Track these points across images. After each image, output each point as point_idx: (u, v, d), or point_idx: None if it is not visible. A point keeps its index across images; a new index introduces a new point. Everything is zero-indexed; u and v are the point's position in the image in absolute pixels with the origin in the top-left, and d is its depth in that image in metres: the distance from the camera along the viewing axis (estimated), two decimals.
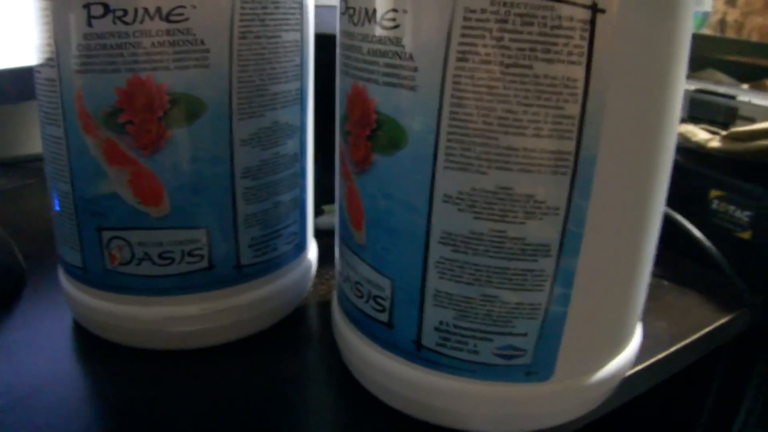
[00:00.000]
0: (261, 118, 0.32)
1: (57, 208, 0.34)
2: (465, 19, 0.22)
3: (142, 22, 0.28)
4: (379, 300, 0.29)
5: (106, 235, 0.33)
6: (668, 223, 0.45)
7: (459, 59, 0.23)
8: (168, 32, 0.29)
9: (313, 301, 0.42)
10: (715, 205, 0.46)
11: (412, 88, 0.24)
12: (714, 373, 0.46)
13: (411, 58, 0.24)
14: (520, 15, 0.22)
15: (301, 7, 0.33)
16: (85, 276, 0.34)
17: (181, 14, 0.28)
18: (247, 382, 0.34)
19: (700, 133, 0.49)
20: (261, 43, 0.31)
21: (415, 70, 0.24)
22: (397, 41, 0.24)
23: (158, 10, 0.28)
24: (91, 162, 0.31)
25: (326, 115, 0.40)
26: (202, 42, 0.29)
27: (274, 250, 0.36)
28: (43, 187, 0.35)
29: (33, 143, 0.78)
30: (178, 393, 0.33)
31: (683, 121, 0.52)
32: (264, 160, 0.33)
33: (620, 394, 0.34)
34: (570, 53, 0.22)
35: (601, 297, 0.27)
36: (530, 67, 0.22)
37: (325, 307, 0.41)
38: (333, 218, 0.49)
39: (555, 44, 0.22)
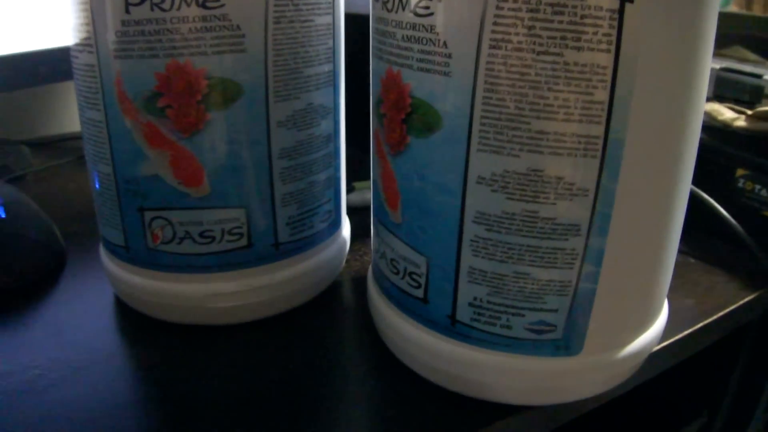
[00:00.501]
0: (296, 100, 0.33)
1: (98, 188, 0.36)
2: (498, 8, 0.23)
3: (179, 8, 0.29)
4: (415, 276, 0.30)
5: (148, 215, 0.34)
6: (695, 201, 0.45)
7: (492, 47, 0.24)
8: (204, 18, 0.29)
9: (347, 277, 0.43)
10: (741, 183, 0.46)
11: (446, 74, 0.25)
12: (740, 351, 0.47)
13: (445, 45, 0.25)
14: (551, 4, 0.22)
15: None
16: (127, 254, 0.36)
17: (217, 0, 0.29)
18: (285, 355, 0.35)
19: (726, 112, 0.48)
20: (295, 27, 0.32)
21: (449, 56, 0.25)
22: (431, 28, 0.25)
23: None
24: (131, 145, 0.32)
25: (356, 94, 0.41)
26: (238, 27, 0.30)
27: (310, 228, 0.37)
28: (77, 166, 0.36)
29: (65, 123, 0.80)
30: (217, 366, 0.34)
31: (709, 99, 0.52)
32: (300, 140, 0.34)
33: (646, 370, 0.34)
34: (599, 41, 0.23)
35: (629, 275, 0.28)
36: (561, 54, 0.23)
37: (358, 282, 0.42)
38: (363, 195, 0.51)
39: (585, 32, 0.23)
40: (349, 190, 0.52)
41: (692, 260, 0.45)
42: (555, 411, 0.32)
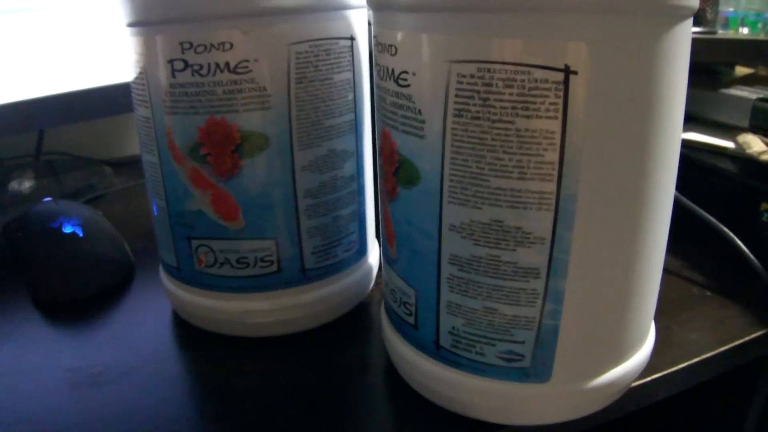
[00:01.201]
0: (318, 147, 0.38)
1: (156, 218, 0.42)
2: (458, 82, 0.26)
3: (214, 74, 0.34)
4: (407, 306, 0.34)
5: (195, 243, 0.39)
6: (714, 234, 0.47)
7: (455, 115, 0.27)
8: (235, 82, 0.35)
9: (376, 298, 0.47)
10: (765, 218, 0.47)
11: (422, 137, 0.29)
12: (756, 385, 0.48)
13: (420, 112, 0.28)
14: (502, 79, 0.26)
15: (351, 50, 0.38)
16: (179, 274, 0.42)
17: (246, 67, 0.35)
18: (311, 367, 0.39)
19: (755, 145, 0.50)
20: (315, 85, 0.37)
21: (423, 122, 0.28)
22: (409, 98, 0.29)
23: (227, 64, 0.34)
24: (180, 184, 0.38)
25: None
26: (264, 88, 0.35)
27: (334, 257, 0.42)
28: None
29: None
30: (254, 372, 0.39)
31: (744, 130, 0.53)
32: (323, 182, 0.39)
33: (637, 399, 0.37)
34: (546, 110, 0.26)
35: (592, 312, 0.31)
36: (512, 122, 0.26)
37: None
38: None
39: (533, 102, 0.26)
40: None
41: (708, 293, 0.46)
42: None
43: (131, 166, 0.80)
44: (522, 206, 0.28)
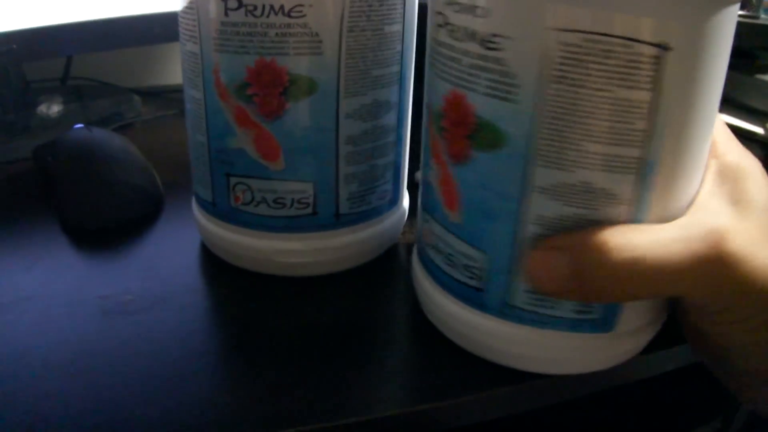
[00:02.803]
0: (363, 96, 0.38)
1: (194, 153, 0.42)
2: (560, 50, 0.27)
3: (268, 16, 0.35)
4: (472, 269, 0.34)
5: (233, 180, 0.40)
6: None
7: (554, 81, 0.27)
8: (288, 26, 0.35)
9: (403, 245, 0.48)
10: None
11: (514, 101, 0.28)
12: None
13: (513, 76, 0.28)
14: (604, 51, 0.26)
15: (404, 2, 0.38)
16: (214, 210, 0.42)
17: (300, 11, 0.35)
18: (340, 307, 0.41)
19: None
20: (366, 35, 0.37)
21: (518, 87, 0.28)
22: (500, 61, 0.28)
23: (281, 7, 0.34)
24: (223, 122, 0.38)
25: None
26: (317, 34, 0.35)
27: (368, 204, 0.42)
28: (183, 118, 0.43)
29: (176, 74, 0.85)
30: (282, 311, 0.40)
31: None
32: (364, 130, 0.39)
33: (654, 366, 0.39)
34: (643, 81, 0.27)
35: None
36: (610, 91, 0.27)
37: (409, 251, 0.47)
38: None
39: (631, 74, 0.26)
40: (418, 169, 0.57)
41: None
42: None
43: (160, 96, 0.80)
44: (610, 170, 0.28)
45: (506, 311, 0.33)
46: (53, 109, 0.66)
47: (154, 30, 0.64)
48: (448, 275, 0.35)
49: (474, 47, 0.29)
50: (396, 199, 0.45)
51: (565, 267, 0.29)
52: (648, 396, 0.58)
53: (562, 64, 0.27)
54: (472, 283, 0.34)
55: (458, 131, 0.32)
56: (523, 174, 0.30)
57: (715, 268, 0.27)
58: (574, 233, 0.29)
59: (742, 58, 0.69)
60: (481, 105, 0.30)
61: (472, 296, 0.34)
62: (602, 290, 0.28)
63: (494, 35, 0.28)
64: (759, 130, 0.60)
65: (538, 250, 0.30)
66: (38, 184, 0.55)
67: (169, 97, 0.80)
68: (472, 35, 0.29)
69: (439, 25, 0.32)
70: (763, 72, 0.67)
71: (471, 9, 0.29)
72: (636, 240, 0.28)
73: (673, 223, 0.29)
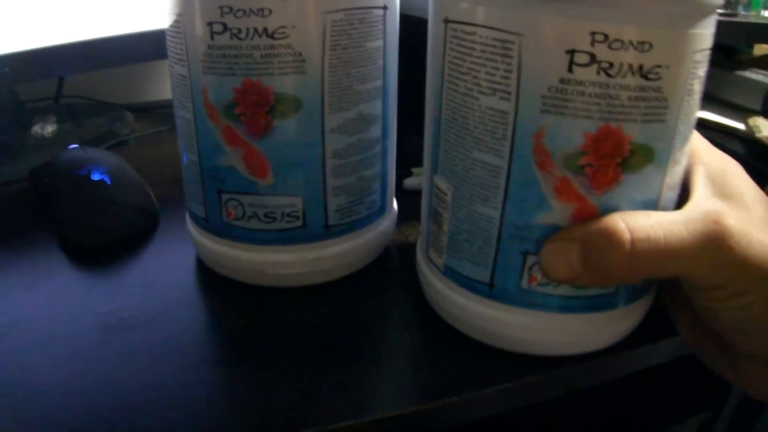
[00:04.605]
0: (347, 111, 0.39)
1: (186, 170, 0.43)
2: (693, 67, 0.30)
3: (252, 38, 0.36)
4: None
5: (224, 196, 0.41)
6: None
7: (688, 94, 0.31)
8: (273, 47, 0.36)
9: (393, 252, 0.49)
10: None
11: (664, 121, 0.31)
12: None
13: (666, 100, 0.30)
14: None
15: (383, 19, 0.39)
16: (207, 225, 0.43)
17: (283, 33, 0.36)
18: (333, 315, 0.42)
19: (765, 129, 0.51)
20: (348, 52, 0.38)
21: (668, 107, 0.31)
22: (659, 89, 0.30)
23: (265, 29, 0.36)
24: (213, 141, 0.39)
25: (416, 95, 0.47)
26: (300, 54, 0.37)
27: (357, 214, 0.44)
28: (175, 134, 0.44)
29: (167, 90, 0.87)
30: (276, 321, 0.41)
31: (755, 113, 0.54)
32: (350, 143, 0.41)
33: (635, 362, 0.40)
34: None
35: None
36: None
37: (401, 255, 0.49)
38: (420, 180, 0.57)
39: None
40: (407, 175, 0.58)
41: None
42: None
43: (152, 112, 0.80)
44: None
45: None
46: (48, 129, 0.67)
47: (144, 48, 0.65)
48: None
49: (634, 81, 0.30)
50: (384, 208, 0.46)
51: (576, 256, 0.31)
52: (638, 389, 0.60)
53: (696, 78, 0.31)
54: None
55: (608, 163, 0.32)
56: (661, 181, 0.33)
57: (714, 244, 0.29)
58: (583, 224, 0.31)
59: (722, 52, 0.70)
60: (637, 132, 0.31)
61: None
62: (613, 273, 0.30)
63: (656, 66, 0.30)
64: (740, 125, 0.61)
65: (549, 242, 0.32)
66: (36, 204, 0.56)
67: (161, 112, 0.80)
68: (630, 69, 0.30)
69: (585, 64, 0.31)
70: (743, 68, 0.68)
71: (625, 44, 0.30)
72: (640, 222, 0.30)
73: (673, 211, 0.31)
